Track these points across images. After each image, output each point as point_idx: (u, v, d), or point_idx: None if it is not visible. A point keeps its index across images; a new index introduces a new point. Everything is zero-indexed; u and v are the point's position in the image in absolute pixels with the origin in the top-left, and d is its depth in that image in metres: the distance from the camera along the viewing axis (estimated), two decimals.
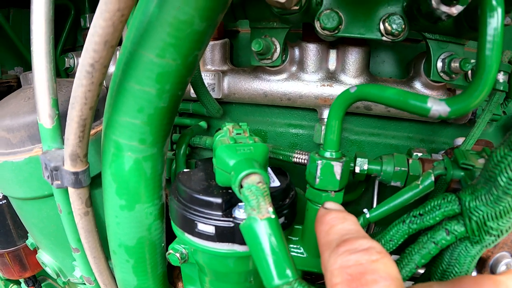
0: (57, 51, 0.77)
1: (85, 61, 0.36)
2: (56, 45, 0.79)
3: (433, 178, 0.44)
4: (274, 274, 0.28)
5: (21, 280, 0.88)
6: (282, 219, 0.45)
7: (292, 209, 0.47)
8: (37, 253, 0.68)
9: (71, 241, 0.55)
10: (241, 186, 0.35)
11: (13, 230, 0.74)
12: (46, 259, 0.68)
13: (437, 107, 0.36)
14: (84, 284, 0.65)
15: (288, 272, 0.28)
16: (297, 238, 0.51)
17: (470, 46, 0.65)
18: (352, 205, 0.70)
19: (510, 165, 0.32)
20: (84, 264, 0.58)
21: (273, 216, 0.30)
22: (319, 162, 0.43)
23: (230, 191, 0.44)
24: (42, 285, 0.91)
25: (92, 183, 0.51)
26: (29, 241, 0.71)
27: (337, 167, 0.43)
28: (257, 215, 0.30)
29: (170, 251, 0.52)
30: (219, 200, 0.43)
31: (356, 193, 0.66)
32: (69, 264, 0.65)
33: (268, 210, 0.31)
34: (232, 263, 0.47)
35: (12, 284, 0.95)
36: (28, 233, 0.70)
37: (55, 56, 0.46)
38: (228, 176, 0.39)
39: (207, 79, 0.66)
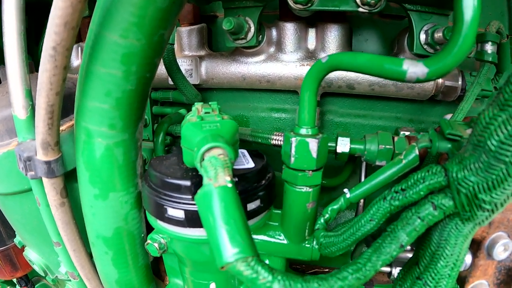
0: (39, 45, 0.76)
1: (47, 45, 0.35)
2: (38, 40, 0.78)
3: (417, 152, 0.39)
4: (227, 248, 0.24)
5: (15, 282, 0.85)
6: (257, 202, 0.41)
7: (268, 192, 0.43)
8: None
9: (52, 235, 0.53)
10: (202, 160, 0.31)
11: (1, 229, 0.72)
12: (33, 256, 0.65)
13: (414, 69, 0.32)
14: (70, 280, 0.62)
15: (244, 246, 0.24)
16: (277, 224, 0.46)
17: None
18: (340, 190, 0.66)
19: (501, 126, 0.26)
20: (66, 259, 0.55)
21: (229, 185, 0.26)
22: (293, 139, 0.39)
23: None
24: (36, 285, 0.88)
25: (72, 176, 0.49)
26: (17, 239, 0.68)
27: (313, 144, 0.39)
28: (213, 184, 0.26)
29: (149, 241, 0.48)
30: (188, 183, 0.39)
31: (342, 176, 0.61)
32: (55, 260, 0.62)
33: (225, 179, 0.27)
34: (207, 251, 0.43)
35: (8, 287, 0.93)
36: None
37: (27, 49, 0.44)
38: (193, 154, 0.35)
39: (184, 65, 0.63)
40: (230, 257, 0.25)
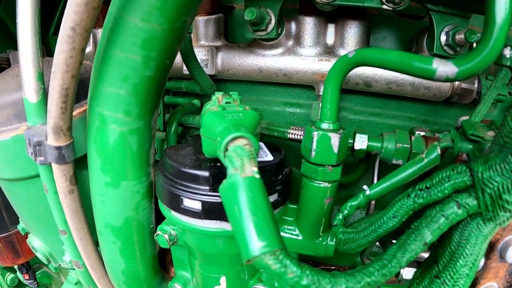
0: (50, 32, 0.74)
1: (66, 25, 0.33)
2: (48, 26, 0.76)
3: (439, 151, 0.39)
4: (254, 241, 0.23)
5: (17, 269, 0.84)
6: (275, 196, 0.40)
7: (286, 186, 0.42)
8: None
9: (58, 223, 0.51)
10: (226, 150, 0.30)
11: (5, 215, 0.70)
12: (37, 243, 0.63)
13: (444, 67, 0.31)
14: (74, 269, 0.61)
15: (272, 239, 0.23)
16: (292, 219, 0.45)
17: (474, 24, 0.60)
18: (351, 188, 0.65)
19: None
20: (72, 247, 0.54)
21: (257, 176, 0.26)
22: (315, 133, 0.38)
23: (219, 164, 0.40)
24: (37, 273, 0.87)
25: (81, 163, 0.47)
26: (20, 226, 0.67)
27: (335, 139, 0.38)
28: (239, 174, 0.25)
29: (158, 232, 0.47)
30: (206, 173, 0.38)
31: (355, 174, 0.60)
32: (59, 249, 0.60)
33: (252, 170, 0.26)
34: (221, 244, 0.42)
35: (8, 273, 0.91)
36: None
37: (41, 34, 0.42)
38: (215, 144, 0.34)
39: (200, 54, 0.62)
40: (257, 250, 0.24)
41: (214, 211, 0.38)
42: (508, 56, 0.53)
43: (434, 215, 0.32)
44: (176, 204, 0.40)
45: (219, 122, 0.35)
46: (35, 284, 0.85)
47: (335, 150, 0.38)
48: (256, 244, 0.24)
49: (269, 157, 0.42)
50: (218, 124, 0.35)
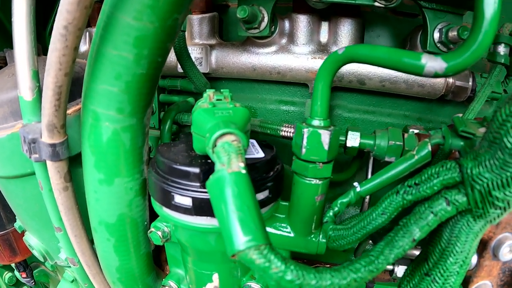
0: (47, 30, 0.74)
1: (58, 24, 0.34)
2: (45, 25, 0.76)
3: (429, 148, 0.39)
4: (239, 236, 0.23)
5: (14, 267, 0.84)
6: (266, 192, 0.41)
7: (277, 183, 0.42)
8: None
9: (53, 220, 0.52)
10: (215, 146, 0.30)
11: (2, 214, 0.71)
12: (33, 241, 0.64)
13: (432, 63, 0.31)
14: (70, 267, 0.61)
15: (257, 234, 0.24)
16: (284, 216, 0.46)
17: (468, 21, 0.60)
18: (345, 186, 0.65)
19: None
20: (67, 244, 0.54)
21: (243, 172, 0.26)
22: (305, 130, 0.38)
23: (210, 161, 0.40)
24: (35, 271, 0.87)
25: (77, 161, 0.48)
26: (17, 224, 0.67)
27: (325, 136, 0.38)
28: (226, 169, 0.26)
29: (152, 229, 0.47)
30: (196, 170, 0.38)
31: (349, 172, 0.60)
32: (54, 246, 0.61)
33: (238, 165, 0.26)
34: (213, 240, 0.43)
35: (6, 272, 0.92)
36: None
37: (36, 31, 0.42)
38: (205, 140, 0.34)
39: (194, 53, 0.62)
40: (242, 244, 0.24)
41: (204, 208, 0.38)
42: (502, 53, 0.53)
43: (423, 211, 0.32)
44: (167, 201, 0.41)
45: (209, 118, 0.35)
46: (32, 283, 0.86)
47: (326, 147, 0.38)
48: (241, 239, 0.24)
49: (260, 154, 0.42)
50: (208, 121, 0.35)
